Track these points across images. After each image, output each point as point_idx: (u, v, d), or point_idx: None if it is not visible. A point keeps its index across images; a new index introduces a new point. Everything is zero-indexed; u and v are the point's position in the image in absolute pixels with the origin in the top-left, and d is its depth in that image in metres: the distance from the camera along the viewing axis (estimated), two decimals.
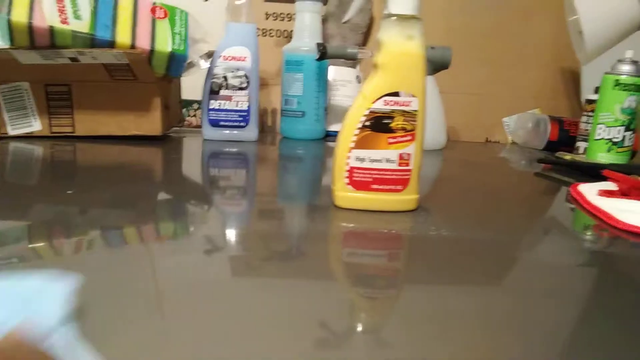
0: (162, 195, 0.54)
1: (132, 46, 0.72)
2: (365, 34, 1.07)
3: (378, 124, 0.48)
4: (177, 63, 0.76)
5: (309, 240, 0.42)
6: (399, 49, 0.47)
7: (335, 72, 0.99)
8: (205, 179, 0.63)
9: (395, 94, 0.47)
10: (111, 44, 0.71)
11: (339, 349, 0.23)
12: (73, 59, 0.72)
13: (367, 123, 0.48)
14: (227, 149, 0.82)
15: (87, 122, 0.79)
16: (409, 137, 0.48)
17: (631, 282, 0.37)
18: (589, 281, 0.37)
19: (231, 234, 0.42)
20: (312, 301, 0.29)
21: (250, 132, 0.86)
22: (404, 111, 0.48)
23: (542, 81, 1.14)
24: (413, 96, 0.47)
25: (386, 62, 0.47)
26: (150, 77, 0.76)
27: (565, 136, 0.98)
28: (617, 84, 0.80)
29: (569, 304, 0.31)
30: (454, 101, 1.08)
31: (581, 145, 0.91)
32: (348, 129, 0.49)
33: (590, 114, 0.89)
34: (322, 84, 0.92)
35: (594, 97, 0.87)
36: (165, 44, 0.73)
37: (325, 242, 0.43)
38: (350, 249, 0.41)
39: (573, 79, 1.14)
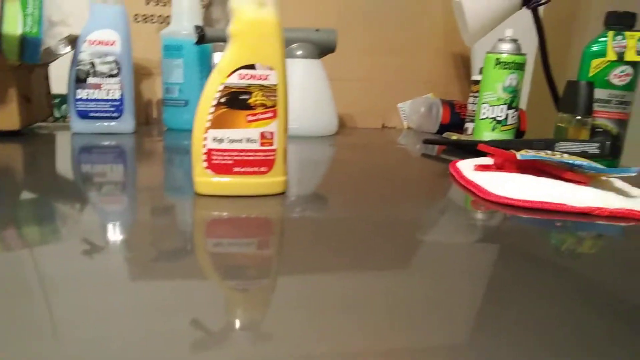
0: (25, 195, 0.47)
1: None
2: None
3: (235, 100, 0.44)
4: (31, 48, 0.68)
5: (172, 234, 0.38)
6: (251, 16, 0.43)
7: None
8: (77, 176, 0.57)
9: (251, 67, 0.43)
10: None
11: (217, 348, 0.21)
12: None
13: (223, 99, 0.44)
14: (100, 143, 0.74)
15: None
16: (270, 114, 0.45)
17: (507, 252, 0.36)
18: (466, 256, 0.35)
19: (100, 235, 0.36)
20: (182, 299, 0.26)
21: (126, 124, 0.80)
22: (262, 85, 0.44)
23: (435, 66, 1.14)
24: (271, 69, 0.44)
25: (238, 31, 0.43)
26: (3, 65, 0.68)
27: (457, 119, 0.99)
28: (498, 62, 0.80)
29: (455, 280, 0.30)
30: (349, 88, 1.06)
31: (469, 125, 0.92)
32: (203, 107, 0.44)
33: (476, 94, 0.90)
34: (206, 70, 0.86)
35: (479, 77, 0.88)
36: (14, 26, 0.65)
37: (188, 234, 0.38)
38: (215, 239, 0.37)
39: (464, 63, 1.16)
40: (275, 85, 0.44)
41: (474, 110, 0.90)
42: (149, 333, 0.22)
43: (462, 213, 0.47)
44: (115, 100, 0.77)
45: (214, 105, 0.44)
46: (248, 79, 0.43)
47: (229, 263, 0.31)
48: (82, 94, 0.76)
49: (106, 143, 0.74)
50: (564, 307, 0.26)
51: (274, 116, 0.45)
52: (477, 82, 0.90)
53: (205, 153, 0.45)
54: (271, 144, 0.45)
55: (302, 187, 0.52)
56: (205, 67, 0.86)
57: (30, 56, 0.69)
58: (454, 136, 0.85)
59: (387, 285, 0.28)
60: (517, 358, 0.21)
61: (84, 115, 0.77)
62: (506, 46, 0.81)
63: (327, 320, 0.24)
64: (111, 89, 0.76)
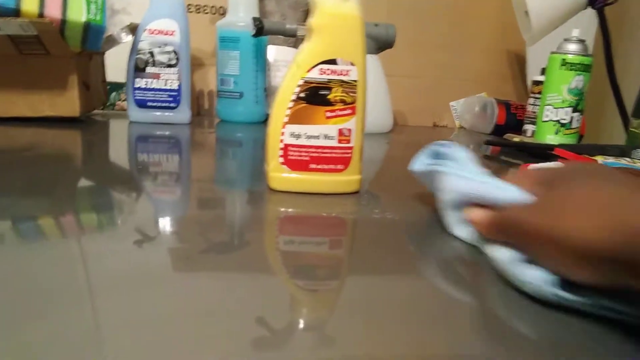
0: (83, 182, 0.47)
1: (41, 15, 0.63)
2: (306, 12, 1.01)
3: (314, 96, 0.42)
4: (93, 35, 0.68)
5: (244, 229, 0.37)
6: (334, 10, 0.41)
7: (275, 52, 0.93)
8: (133, 165, 0.56)
9: (332, 62, 0.42)
10: (16, 13, 0.63)
11: (279, 348, 0.20)
12: None
13: (302, 95, 0.42)
14: (157, 132, 0.74)
15: None
16: (348, 111, 0.43)
17: None
18: None
19: (163, 224, 0.36)
20: (248, 297, 0.25)
21: (182, 114, 0.79)
22: (343, 81, 0.42)
23: (488, 64, 1.11)
24: (352, 64, 0.42)
25: (321, 25, 0.42)
26: (65, 52, 0.68)
27: (513, 120, 0.96)
28: (564, 63, 0.77)
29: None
30: (400, 85, 1.04)
31: (529, 128, 0.89)
32: (281, 102, 0.43)
33: (537, 95, 0.87)
34: (261, 62, 0.85)
35: (541, 78, 0.85)
36: (79, 13, 0.65)
37: (260, 230, 0.37)
38: (287, 236, 0.36)
39: (518, 62, 1.12)
40: (355, 81, 0.43)
41: (534, 112, 0.87)
42: (212, 329, 0.21)
43: None
44: (173, 90, 0.77)
45: (293, 100, 0.42)
46: (329, 74, 0.42)
47: (300, 262, 0.30)
48: (140, 82, 0.76)
49: (164, 133, 0.73)
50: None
51: (353, 113, 0.43)
52: (538, 83, 0.87)
53: (282, 148, 0.43)
54: (349, 142, 0.44)
55: (372, 186, 0.51)
56: (261, 59, 0.85)
57: (93, 44, 0.69)
58: (516, 138, 0.83)
59: (447, 290, 0.27)
60: None
61: (141, 104, 0.77)
62: (573, 46, 0.78)
63: (393, 323, 0.23)
64: (169, 78, 0.76)
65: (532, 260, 0.27)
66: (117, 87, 1.01)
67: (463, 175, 0.34)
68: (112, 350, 0.19)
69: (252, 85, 0.85)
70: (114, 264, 0.27)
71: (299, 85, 0.42)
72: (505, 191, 0.31)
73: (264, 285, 0.27)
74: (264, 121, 0.90)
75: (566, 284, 0.25)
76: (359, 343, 0.21)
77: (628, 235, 0.22)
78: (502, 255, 0.28)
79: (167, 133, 0.74)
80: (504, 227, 0.29)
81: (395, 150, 0.77)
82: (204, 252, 0.30)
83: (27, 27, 0.63)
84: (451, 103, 1.09)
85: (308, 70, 0.42)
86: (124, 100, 1.03)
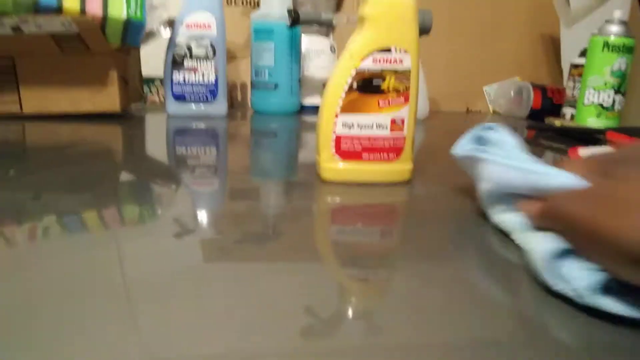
0: (125, 176, 0.48)
1: (82, 12, 0.64)
2: (338, 2, 1.01)
3: (367, 86, 0.42)
4: (134, 31, 0.68)
5: (295, 219, 0.37)
6: None
7: (308, 42, 0.93)
8: (172, 158, 0.57)
9: (386, 51, 0.42)
10: (57, 10, 0.63)
11: (327, 336, 0.20)
12: (16, 29, 0.64)
13: (355, 84, 0.42)
14: (194, 125, 0.75)
15: (35, 100, 0.71)
16: (402, 99, 0.43)
17: None
18: None
19: (204, 216, 0.36)
20: (297, 285, 0.25)
21: (219, 106, 0.79)
22: (396, 70, 0.42)
23: (521, 48, 1.10)
24: (406, 52, 0.42)
25: (375, 13, 0.41)
26: (105, 48, 0.69)
27: (549, 104, 0.94)
28: (606, 45, 0.76)
29: None
30: (432, 70, 1.03)
31: (568, 111, 0.87)
32: (333, 92, 0.43)
33: (577, 78, 0.85)
34: (295, 53, 0.85)
35: (581, 61, 0.83)
36: (119, 10, 0.65)
37: (313, 219, 0.37)
38: (340, 226, 0.36)
39: (552, 45, 1.10)
40: (409, 69, 0.42)
41: (574, 96, 0.85)
42: (262, 318, 0.21)
43: None
44: (210, 83, 0.77)
45: (345, 91, 0.42)
46: (382, 63, 0.42)
47: (351, 251, 0.30)
48: (178, 77, 0.76)
49: (201, 125, 0.74)
50: None
51: (406, 101, 0.43)
52: (577, 66, 0.85)
53: (333, 139, 0.43)
54: (401, 130, 0.44)
55: (423, 175, 0.50)
56: (295, 50, 0.85)
57: (133, 40, 0.69)
58: (557, 122, 0.81)
59: (496, 279, 0.27)
60: None
61: (179, 97, 0.77)
62: (615, 28, 0.76)
63: (444, 314, 0.23)
64: (206, 72, 0.76)
65: (577, 257, 0.24)
66: (149, 81, 1.02)
67: (509, 163, 0.31)
68: (151, 343, 0.19)
69: (287, 76, 0.84)
70: (153, 256, 0.28)
71: (352, 76, 0.42)
72: (557, 178, 0.28)
73: (314, 275, 0.27)
74: (299, 112, 0.90)
75: (615, 287, 0.23)
76: (407, 332, 0.21)
77: None
78: (543, 250, 0.26)
79: (204, 126, 0.74)
80: (555, 217, 0.26)
81: (435, 138, 0.76)
82: (253, 242, 0.30)
83: (68, 25, 0.63)
84: (485, 88, 1.08)
85: (361, 60, 0.42)
86: (155, 94, 1.04)
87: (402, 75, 0.42)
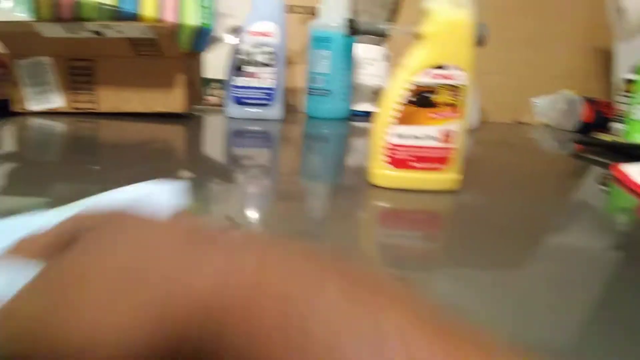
0: (186, 174, 0.52)
1: (158, 19, 0.69)
2: (393, 11, 1.04)
3: (421, 99, 0.45)
4: (203, 38, 0.73)
5: (344, 221, 0.40)
6: (447, 17, 0.44)
7: (361, 50, 0.96)
8: (229, 158, 0.62)
9: (442, 67, 0.45)
10: (136, 17, 0.69)
11: None
12: (97, 33, 0.70)
13: (410, 97, 0.45)
14: (251, 128, 0.79)
15: (109, 99, 0.77)
16: (453, 113, 0.46)
17: None
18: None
19: (253, 213, 0.40)
20: None
21: (276, 111, 0.84)
22: (451, 85, 0.45)
23: (572, 61, 1.10)
24: (461, 70, 0.45)
25: (433, 32, 0.44)
26: (176, 53, 0.74)
27: (599, 118, 0.95)
28: None
29: (607, 292, 0.30)
30: (482, 80, 1.04)
31: (617, 126, 0.88)
32: (387, 103, 0.46)
33: (627, 94, 0.85)
34: (350, 61, 0.89)
35: (633, 76, 0.84)
36: (192, 18, 0.71)
37: (361, 222, 0.41)
38: (388, 229, 0.39)
39: (604, 60, 1.10)
40: (462, 85, 0.45)
41: (624, 111, 0.86)
42: None
43: (628, 217, 0.46)
44: (268, 88, 0.82)
45: (400, 103, 0.46)
46: (438, 78, 0.45)
47: (396, 254, 0.33)
48: (239, 81, 0.81)
49: (258, 128, 0.78)
50: None
51: (457, 115, 0.46)
52: (630, 81, 0.85)
53: (387, 148, 0.47)
54: (451, 142, 0.47)
55: (471, 185, 0.53)
56: (350, 59, 0.89)
57: (200, 45, 0.75)
58: (606, 137, 0.82)
59: (538, 287, 0.29)
60: None
61: (239, 101, 0.82)
62: None
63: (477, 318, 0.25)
64: (266, 77, 0.81)
65: None
66: (206, 82, 1.08)
67: None
68: None
69: (341, 84, 0.88)
70: None
71: (408, 89, 0.45)
72: None
73: None
74: (349, 117, 0.93)
75: None
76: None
77: (172, 318, 0.15)
78: None
79: (260, 128, 0.79)
80: None
81: (484, 149, 0.79)
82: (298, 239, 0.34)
83: (146, 31, 0.69)
84: (534, 100, 1.08)
85: (418, 74, 0.45)
86: (213, 95, 1.09)
87: (456, 90, 0.45)
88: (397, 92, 0.46)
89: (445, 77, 0.45)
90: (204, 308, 0.15)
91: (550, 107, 1.04)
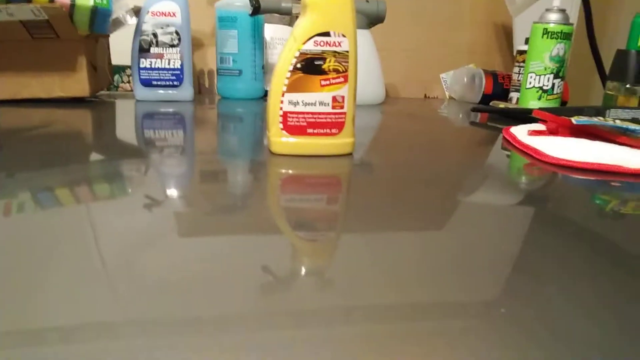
0: (95, 156, 0.51)
1: (51, 0, 0.67)
2: None
3: (309, 66, 0.47)
4: (101, 19, 0.72)
5: (247, 190, 0.41)
6: None
7: (271, 31, 0.97)
8: (140, 140, 0.61)
9: (326, 34, 0.46)
10: None
11: (283, 291, 0.23)
12: None
13: (299, 65, 0.47)
14: (162, 110, 0.79)
15: (6, 85, 0.74)
16: (341, 79, 0.48)
17: (564, 217, 0.38)
18: (526, 219, 0.38)
19: (171, 192, 0.40)
20: (251, 249, 0.28)
21: (185, 92, 0.84)
22: (336, 52, 0.47)
23: (476, 36, 1.16)
24: (344, 36, 0.47)
25: (315, 1, 0.46)
26: (74, 35, 0.72)
27: (500, 89, 1.00)
28: (546, 32, 0.82)
29: (509, 243, 0.31)
30: (391, 58, 1.08)
31: (514, 95, 0.93)
32: (280, 72, 0.48)
33: (521, 64, 0.91)
34: (259, 41, 0.89)
35: (525, 47, 0.89)
36: None
37: (263, 190, 0.42)
38: (288, 195, 0.41)
39: (506, 34, 1.17)
40: (347, 51, 0.47)
41: (519, 80, 0.91)
42: (221, 275, 0.24)
43: (518, 175, 0.50)
44: (175, 69, 0.81)
45: (290, 71, 0.47)
46: (323, 45, 0.46)
47: (300, 216, 0.34)
48: (145, 63, 0.80)
49: (168, 110, 0.78)
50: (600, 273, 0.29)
51: (345, 81, 0.48)
52: (522, 52, 0.91)
53: (281, 115, 0.48)
54: (342, 107, 0.49)
55: (365, 150, 0.56)
56: (258, 38, 0.89)
57: (100, 27, 0.73)
58: (501, 105, 0.87)
59: (441, 240, 0.31)
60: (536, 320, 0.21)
61: (146, 83, 0.81)
62: (554, 16, 0.82)
63: (387, 274, 0.25)
64: (172, 58, 0.80)
65: None
66: (120, 69, 1.06)
67: None
68: (121, 312, 0.20)
69: (251, 63, 0.89)
70: (124, 229, 0.30)
71: (296, 57, 0.47)
72: None
73: (268, 239, 0.30)
74: (262, 97, 0.94)
75: None
76: (356, 287, 0.23)
77: None
78: None
79: (171, 110, 0.78)
80: None
81: (388, 120, 0.82)
82: (210, 214, 0.35)
83: (38, 12, 0.67)
84: (441, 75, 1.13)
85: (304, 43, 0.46)
86: (127, 82, 1.07)
87: (342, 57, 0.47)
88: (286, 60, 0.47)
89: (330, 44, 0.46)
90: None
91: (456, 81, 1.10)
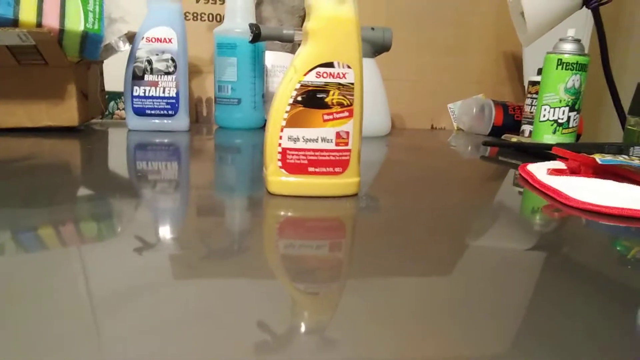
0: (83, 192, 0.47)
1: (39, 25, 0.64)
2: (303, 18, 1.02)
3: (311, 99, 0.43)
4: (91, 45, 0.68)
5: (243, 234, 0.37)
6: (330, 13, 0.42)
7: (272, 58, 0.93)
8: (132, 173, 0.56)
9: (329, 65, 0.42)
10: (14, 23, 0.63)
11: (280, 351, 0.20)
12: None
13: (299, 98, 0.43)
14: (156, 140, 0.74)
15: None
16: (346, 114, 0.43)
17: (584, 264, 0.34)
18: (541, 266, 0.33)
19: (163, 231, 0.36)
20: (249, 300, 0.25)
21: (181, 121, 0.79)
22: (340, 84, 0.43)
23: (485, 66, 1.12)
24: (349, 67, 0.42)
25: (317, 29, 0.42)
26: (63, 61, 0.68)
27: (510, 120, 0.96)
28: (560, 63, 0.78)
29: (519, 291, 0.28)
30: (397, 88, 1.04)
31: (526, 128, 0.89)
32: (278, 105, 0.43)
33: (534, 95, 0.87)
34: (259, 68, 0.86)
35: (537, 78, 0.85)
36: (77, 23, 0.65)
37: (260, 234, 0.38)
38: (287, 240, 0.36)
39: (515, 63, 1.13)
40: (352, 84, 0.43)
41: (532, 112, 0.87)
42: (213, 332, 0.21)
43: (536, 218, 0.45)
44: (171, 97, 0.77)
45: (290, 104, 0.43)
46: (326, 77, 0.42)
47: (300, 265, 0.30)
48: (139, 91, 0.76)
49: (163, 140, 0.73)
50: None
51: (350, 115, 0.44)
52: (535, 83, 0.87)
53: (279, 152, 0.44)
54: (346, 144, 0.44)
55: (371, 188, 0.51)
56: (258, 65, 0.86)
57: (90, 52, 0.69)
58: (514, 138, 0.83)
59: (450, 292, 0.27)
60: None
61: (140, 112, 0.77)
62: (569, 46, 0.78)
63: (393, 326, 0.23)
64: (167, 86, 0.76)
65: None
66: (116, 96, 1.02)
67: None
68: (111, 355, 0.19)
69: (250, 92, 0.85)
70: (115, 273, 0.27)
71: (296, 89, 0.42)
72: None
73: (264, 290, 0.27)
74: (262, 127, 0.90)
75: None
76: (360, 345, 0.21)
77: None
78: None
79: (165, 141, 0.74)
80: None
81: (394, 153, 0.77)
82: (205, 258, 0.30)
83: (25, 37, 0.63)
84: (449, 105, 1.09)
85: (305, 74, 0.42)
86: (122, 109, 1.03)
87: (346, 89, 0.43)
88: (286, 92, 0.43)
89: (333, 76, 0.42)
90: None
91: (464, 112, 1.06)
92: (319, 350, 0.21)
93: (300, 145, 0.44)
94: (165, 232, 0.36)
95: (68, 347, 0.20)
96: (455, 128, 1.10)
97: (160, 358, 0.19)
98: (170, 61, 0.75)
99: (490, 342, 0.22)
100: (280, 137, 0.44)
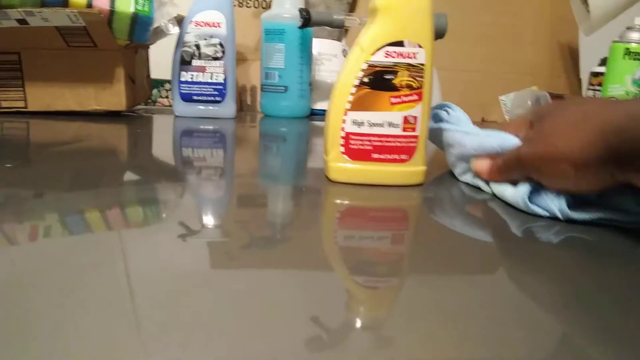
0: (129, 177, 0.45)
1: (89, 5, 0.62)
2: (351, 4, 0.99)
3: (378, 81, 0.40)
4: (141, 27, 0.66)
5: (299, 223, 0.34)
6: None
7: (319, 46, 0.91)
8: (178, 159, 0.55)
9: (399, 44, 0.39)
10: (64, 3, 0.62)
11: (334, 348, 0.18)
12: (21, 21, 0.63)
13: (366, 79, 0.40)
14: (201, 127, 0.73)
15: (40, 96, 0.70)
16: (415, 97, 0.40)
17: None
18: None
19: (209, 219, 0.34)
20: (303, 293, 0.23)
21: (228, 108, 0.78)
22: (410, 64, 0.40)
23: (539, 57, 1.07)
24: (420, 47, 0.40)
25: (386, 4, 0.39)
26: (112, 44, 0.67)
27: None
28: (628, 52, 0.73)
29: (589, 293, 0.25)
30: (447, 78, 1.01)
31: None
32: (343, 87, 0.41)
33: (596, 87, 0.82)
34: (306, 55, 0.83)
35: (601, 69, 0.81)
36: (127, 4, 0.64)
37: (318, 223, 0.35)
38: (347, 231, 0.33)
39: (571, 55, 1.08)
40: (423, 64, 0.40)
41: None
42: (264, 325, 0.19)
43: None
44: (218, 83, 0.75)
45: (356, 86, 0.40)
46: (395, 57, 0.39)
47: (360, 257, 0.28)
48: (186, 76, 0.74)
49: (209, 127, 0.72)
50: None
51: (419, 99, 0.41)
52: (598, 74, 0.82)
53: (343, 137, 0.41)
54: (414, 130, 0.41)
55: (434, 179, 0.48)
56: (306, 53, 0.83)
57: (140, 36, 0.68)
58: None
59: (518, 294, 0.24)
60: None
61: (187, 98, 0.76)
62: (637, 35, 0.74)
63: (455, 326, 0.20)
64: (215, 72, 0.74)
65: (538, 190, 0.34)
66: (159, 83, 1.01)
67: (467, 131, 0.43)
68: (154, 349, 0.17)
69: (297, 79, 0.82)
70: (157, 259, 0.26)
71: (363, 70, 0.40)
72: (503, 140, 0.39)
73: (321, 282, 0.24)
74: (308, 116, 0.88)
75: (574, 204, 0.33)
76: (420, 344, 0.19)
77: (607, 134, 0.28)
78: (508, 191, 0.36)
79: (211, 127, 0.72)
80: (508, 167, 0.37)
81: None
82: (256, 247, 0.28)
83: (75, 18, 0.62)
84: (500, 97, 1.05)
85: (373, 54, 0.39)
86: (165, 97, 1.02)
87: (416, 70, 0.40)
88: (351, 73, 0.40)
89: (404, 56, 0.39)
90: (623, 124, 0.28)
91: (517, 105, 1.01)
92: (375, 348, 0.18)
93: (364, 129, 0.41)
94: (212, 219, 0.34)
95: (105, 334, 0.18)
96: (508, 120, 1.05)
97: (200, 350, 0.17)
98: (218, 46, 0.74)
99: (558, 346, 0.20)
100: (344, 121, 0.41)
